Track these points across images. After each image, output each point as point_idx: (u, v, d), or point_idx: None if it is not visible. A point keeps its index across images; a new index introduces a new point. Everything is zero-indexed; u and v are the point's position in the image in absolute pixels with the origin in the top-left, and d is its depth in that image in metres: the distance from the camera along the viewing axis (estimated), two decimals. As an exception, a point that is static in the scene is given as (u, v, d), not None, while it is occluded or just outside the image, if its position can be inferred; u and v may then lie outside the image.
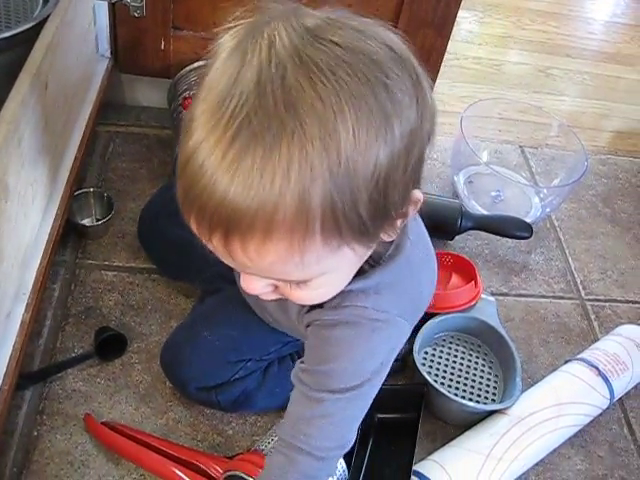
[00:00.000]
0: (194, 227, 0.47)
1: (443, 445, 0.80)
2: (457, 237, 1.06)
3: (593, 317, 1.02)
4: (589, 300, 1.05)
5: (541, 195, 1.15)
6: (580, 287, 1.07)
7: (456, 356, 0.91)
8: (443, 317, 0.90)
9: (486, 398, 0.87)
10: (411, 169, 0.48)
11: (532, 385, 0.88)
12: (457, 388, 0.87)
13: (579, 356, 0.90)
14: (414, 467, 0.75)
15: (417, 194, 0.51)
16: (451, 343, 0.92)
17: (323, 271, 0.50)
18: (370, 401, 0.62)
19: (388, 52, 0.46)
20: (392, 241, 0.59)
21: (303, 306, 0.63)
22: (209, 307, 0.82)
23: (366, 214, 0.45)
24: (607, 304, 1.05)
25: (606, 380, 0.85)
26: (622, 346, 0.90)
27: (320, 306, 0.60)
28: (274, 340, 0.79)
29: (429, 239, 0.74)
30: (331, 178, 0.43)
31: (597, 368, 0.86)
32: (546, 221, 1.16)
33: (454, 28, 1.10)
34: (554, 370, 0.90)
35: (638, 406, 0.92)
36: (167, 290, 0.93)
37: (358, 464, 0.76)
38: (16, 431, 0.76)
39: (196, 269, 0.83)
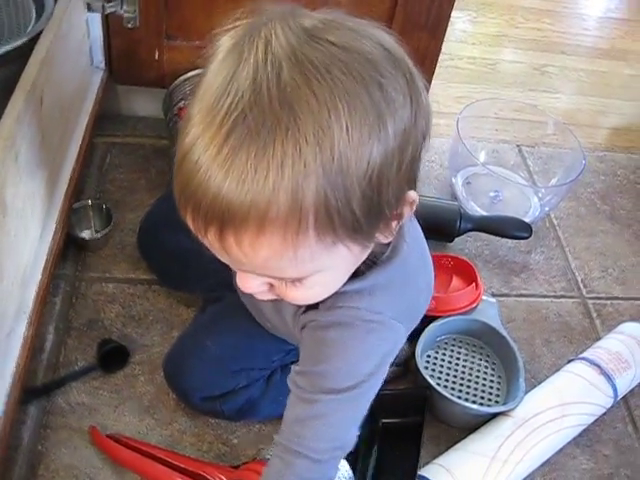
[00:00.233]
0: (190, 222, 0.48)
1: (448, 448, 0.80)
2: (457, 239, 1.06)
3: (595, 315, 1.02)
4: (590, 298, 1.05)
5: (540, 194, 1.15)
6: (581, 285, 1.07)
7: (459, 358, 0.91)
8: (445, 320, 0.90)
9: (489, 400, 0.87)
10: (405, 168, 0.48)
11: (536, 385, 0.88)
12: (460, 390, 0.87)
13: (581, 355, 0.90)
14: (419, 472, 0.75)
15: (412, 195, 0.52)
16: (453, 345, 0.92)
17: (317, 269, 0.50)
18: (366, 404, 0.62)
19: (383, 52, 0.47)
20: (389, 243, 0.59)
21: (299, 307, 0.63)
22: (211, 316, 0.83)
23: (359, 211, 0.46)
24: (608, 302, 1.05)
25: (609, 379, 0.85)
26: (624, 344, 0.90)
27: (315, 307, 0.60)
28: (277, 348, 0.79)
29: (426, 243, 0.74)
30: (324, 174, 0.43)
31: (600, 367, 0.86)
32: (545, 220, 1.16)
33: (448, 28, 1.10)
34: (557, 370, 0.90)
35: (643, 404, 0.93)
36: (168, 300, 0.93)
37: (363, 470, 0.76)
38: (21, 446, 0.76)
39: (197, 278, 0.83)
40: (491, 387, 0.88)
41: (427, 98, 0.51)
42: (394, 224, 0.53)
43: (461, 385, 0.88)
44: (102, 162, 1.12)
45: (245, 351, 0.78)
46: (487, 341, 0.92)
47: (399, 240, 0.61)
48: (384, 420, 0.81)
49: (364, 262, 0.58)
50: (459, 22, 1.70)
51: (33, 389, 0.80)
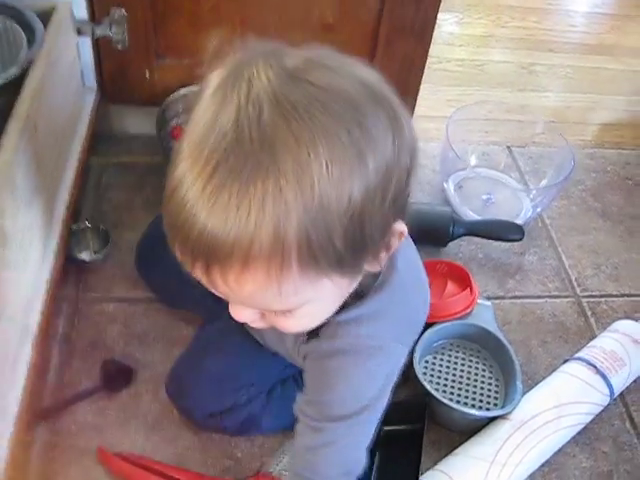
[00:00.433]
0: (178, 255, 0.49)
1: (448, 453, 0.82)
2: (450, 243, 1.08)
3: (589, 313, 1.04)
4: (584, 297, 1.06)
5: (531, 195, 1.16)
6: (575, 284, 1.08)
7: (456, 363, 0.93)
8: (441, 325, 0.92)
9: (488, 403, 0.88)
10: (389, 202, 0.49)
11: (533, 386, 0.89)
12: (459, 395, 0.89)
13: (577, 355, 0.91)
14: (421, 478, 0.77)
15: (400, 227, 0.53)
16: (451, 350, 0.94)
17: (303, 301, 0.51)
18: (373, 427, 0.64)
19: (363, 90, 0.48)
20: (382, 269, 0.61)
21: (299, 336, 0.65)
22: (210, 335, 0.84)
23: (342, 246, 0.47)
24: (602, 299, 1.06)
25: (604, 377, 0.87)
26: (619, 342, 0.91)
27: (316, 336, 0.62)
28: (275, 364, 0.80)
29: (419, 259, 0.76)
30: (305, 211, 0.44)
31: (595, 366, 0.87)
32: (538, 220, 1.18)
33: (435, 31, 1.11)
34: (554, 370, 0.91)
35: (639, 400, 0.94)
36: (168, 318, 0.95)
37: (365, 478, 0.78)
38: (30, 469, 0.78)
39: (195, 298, 0.85)
40: (489, 390, 0.90)
41: (412, 134, 0.51)
42: (382, 255, 0.54)
43: (460, 389, 0.90)
44: (98, 182, 1.14)
45: (244, 368, 0.79)
46: (484, 345, 0.93)
47: (393, 265, 0.62)
48: (385, 428, 0.83)
49: (360, 289, 0.59)
50: (446, 24, 1.72)
51: (40, 411, 0.82)
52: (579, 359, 0.90)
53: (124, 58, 1.08)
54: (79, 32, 1.03)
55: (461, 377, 0.91)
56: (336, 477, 0.63)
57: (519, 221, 1.12)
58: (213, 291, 0.51)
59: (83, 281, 0.98)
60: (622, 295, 1.07)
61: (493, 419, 0.84)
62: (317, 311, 0.55)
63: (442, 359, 0.93)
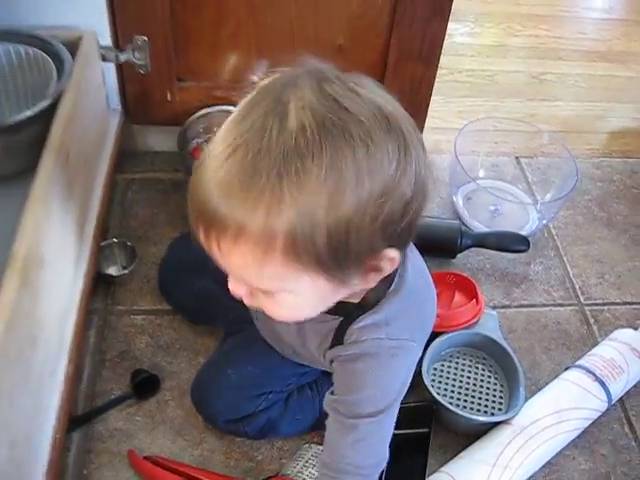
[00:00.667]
0: (191, 220, 0.56)
1: (454, 456, 0.87)
2: (459, 255, 1.13)
3: (592, 321, 1.08)
4: (588, 305, 1.11)
5: (538, 207, 1.21)
6: (579, 293, 1.13)
7: (463, 369, 0.98)
8: (448, 335, 0.97)
9: (493, 407, 0.93)
10: (379, 225, 0.54)
11: (536, 392, 0.94)
12: (466, 400, 0.94)
13: (577, 363, 0.96)
14: (428, 479, 0.83)
15: (392, 253, 0.58)
16: (458, 358, 0.99)
17: (282, 289, 0.58)
18: (395, 418, 0.71)
19: (381, 119, 0.54)
20: (393, 277, 0.67)
21: (322, 341, 0.72)
22: (231, 347, 0.90)
23: (324, 250, 0.53)
24: (605, 307, 1.10)
25: (603, 384, 0.91)
26: (617, 351, 0.96)
27: (340, 343, 0.69)
28: (292, 373, 0.87)
29: (426, 268, 0.81)
30: (297, 210, 0.51)
31: (594, 374, 0.92)
32: (544, 231, 1.22)
33: (446, 41, 1.15)
34: (556, 376, 0.96)
35: (638, 404, 0.98)
36: (192, 329, 1.01)
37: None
38: (67, 471, 0.85)
39: (217, 315, 0.92)
40: (494, 396, 0.95)
41: (422, 170, 0.56)
42: (372, 275, 0.60)
43: (466, 395, 0.95)
44: (123, 198, 1.20)
45: (263, 377, 0.85)
46: (489, 352, 0.98)
47: (404, 274, 0.69)
48: (395, 432, 0.88)
49: (376, 298, 0.66)
50: (457, 35, 1.75)
51: (75, 418, 0.88)
52: (579, 367, 0.94)
53: (146, 81, 1.15)
54: (104, 58, 1.10)
55: (468, 383, 0.96)
56: (371, 467, 0.69)
57: (525, 232, 1.16)
58: (214, 258, 0.57)
59: (111, 294, 1.05)
60: (624, 303, 1.11)
61: (497, 424, 0.89)
62: (297, 305, 0.61)
63: (450, 366, 0.98)
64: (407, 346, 0.69)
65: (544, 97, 1.58)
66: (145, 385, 0.93)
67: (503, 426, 0.87)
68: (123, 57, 1.10)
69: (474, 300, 1.00)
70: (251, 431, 0.87)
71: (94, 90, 1.08)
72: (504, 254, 1.15)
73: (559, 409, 0.88)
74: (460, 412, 0.88)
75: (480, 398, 0.94)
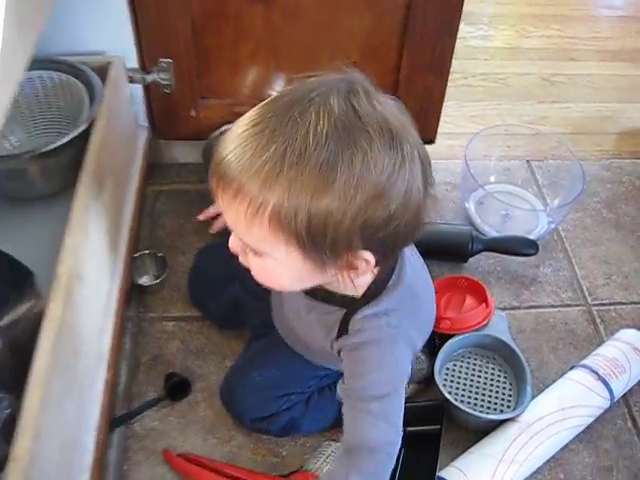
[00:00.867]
0: (210, 172, 0.64)
1: (464, 451, 0.93)
2: (470, 259, 1.18)
3: (599, 321, 1.13)
4: (595, 305, 1.15)
5: (547, 210, 1.25)
6: (586, 293, 1.17)
7: (474, 369, 1.04)
8: (460, 337, 1.03)
9: (502, 405, 0.99)
10: (359, 226, 0.61)
11: (543, 390, 1.00)
12: (476, 398, 1.00)
13: (581, 363, 1.01)
14: (439, 473, 0.89)
15: (367, 255, 0.65)
16: (469, 358, 1.05)
17: (267, 252, 0.65)
18: (403, 398, 0.77)
19: (386, 133, 0.61)
20: (392, 272, 0.75)
21: (328, 331, 0.78)
22: (256, 351, 0.98)
23: (303, 231, 0.60)
24: (612, 307, 1.15)
25: (605, 383, 0.97)
26: (620, 350, 1.01)
27: (346, 333, 0.76)
28: (312, 375, 0.94)
29: (425, 269, 0.88)
30: (287, 191, 0.59)
31: (597, 373, 0.97)
32: (553, 233, 1.26)
33: (459, 44, 1.19)
34: (563, 375, 1.01)
35: (641, 401, 1.04)
36: (220, 334, 1.08)
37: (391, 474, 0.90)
38: (109, 467, 0.92)
39: (244, 320, 0.99)
40: (504, 393, 1.01)
41: (413, 186, 0.63)
42: (347, 271, 0.67)
43: (477, 393, 1.01)
44: (152, 209, 1.26)
45: (285, 379, 0.93)
46: (498, 353, 1.04)
47: (402, 271, 0.77)
48: (408, 428, 0.95)
49: (376, 290, 0.74)
50: (470, 38, 1.79)
51: (115, 419, 0.96)
52: (583, 366, 1.00)
53: (172, 100, 1.22)
54: (131, 80, 1.17)
55: (478, 382, 1.02)
56: (390, 445, 0.75)
57: (535, 236, 1.21)
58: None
59: (144, 303, 1.12)
60: (631, 303, 1.16)
61: (504, 421, 0.95)
62: (278, 273, 0.68)
63: (461, 366, 1.04)
64: (408, 334, 0.77)
65: (555, 99, 1.62)
66: (177, 387, 1.00)
67: (510, 423, 0.93)
68: (149, 78, 1.17)
69: (484, 304, 1.06)
70: (275, 429, 0.94)
71: (123, 111, 1.15)
72: (514, 257, 1.20)
73: (563, 407, 0.94)
74: (469, 410, 0.94)
75: (490, 396, 1.00)
